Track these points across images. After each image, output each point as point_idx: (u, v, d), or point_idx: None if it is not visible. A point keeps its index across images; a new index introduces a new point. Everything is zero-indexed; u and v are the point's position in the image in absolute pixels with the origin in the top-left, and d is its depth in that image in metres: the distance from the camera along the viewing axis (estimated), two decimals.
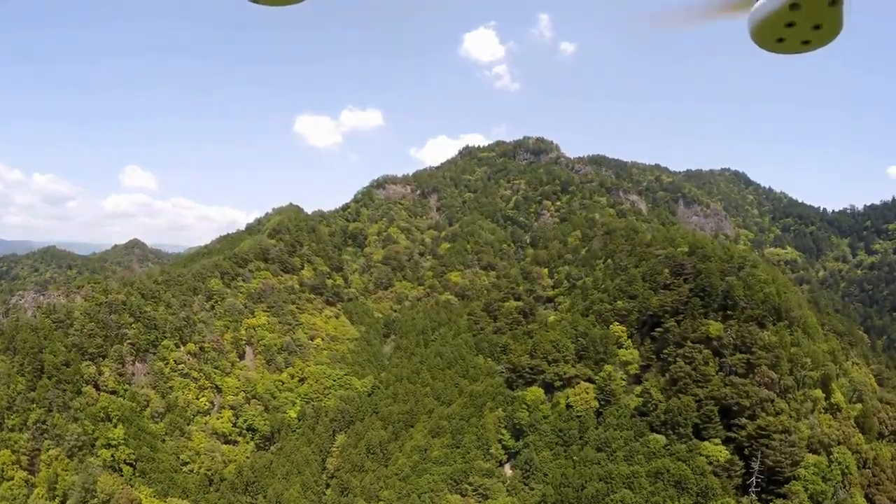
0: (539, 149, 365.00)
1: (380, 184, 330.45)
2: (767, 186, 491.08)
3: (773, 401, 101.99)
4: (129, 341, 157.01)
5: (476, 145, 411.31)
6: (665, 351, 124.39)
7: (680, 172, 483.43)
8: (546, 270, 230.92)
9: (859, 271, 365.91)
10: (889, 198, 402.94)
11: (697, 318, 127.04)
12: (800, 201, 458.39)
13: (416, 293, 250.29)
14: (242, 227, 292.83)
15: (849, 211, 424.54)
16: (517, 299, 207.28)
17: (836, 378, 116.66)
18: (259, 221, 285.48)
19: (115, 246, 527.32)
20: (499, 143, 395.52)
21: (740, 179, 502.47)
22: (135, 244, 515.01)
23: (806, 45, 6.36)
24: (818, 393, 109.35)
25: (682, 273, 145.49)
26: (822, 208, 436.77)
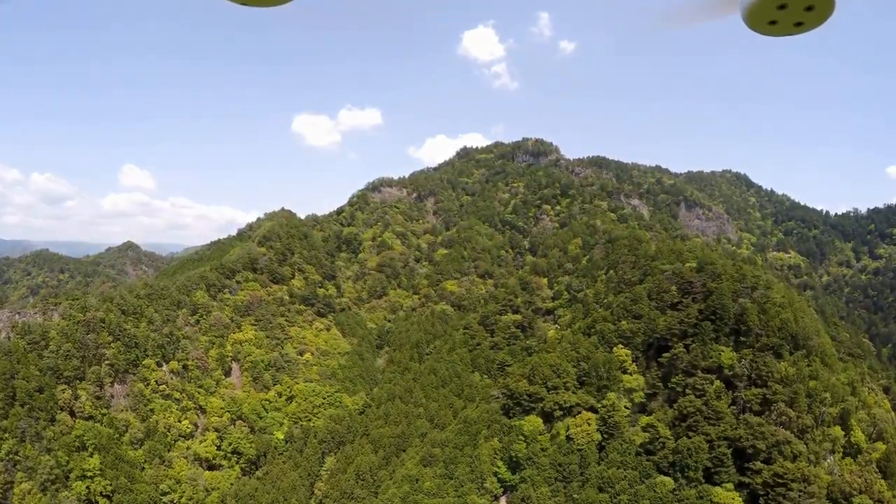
0: (538, 150, 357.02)
1: (375, 186, 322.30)
2: (769, 188, 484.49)
3: (790, 442, 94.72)
4: (107, 362, 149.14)
5: (474, 146, 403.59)
6: (673, 380, 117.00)
7: (681, 174, 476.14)
8: (545, 280, 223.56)
9: (863, 276, 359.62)
10: (892, 201, 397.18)
11: (708, 344, 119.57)
12: (802, 204, 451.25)
13: (410, 302, 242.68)
14: (241, 226, 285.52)
15: (852, 214, 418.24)
16: (515, 312, 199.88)
17: (855, 411, 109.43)
18: (251, 227, 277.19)
19: (109, 248, 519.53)
20: (497, 145, 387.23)
21: (742, 181, 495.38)
22: (129, 246, 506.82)
23: (799, 26, 6.28)
24: (837, 431, 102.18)
25: (690, 292, 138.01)
26: (824, 211, 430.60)
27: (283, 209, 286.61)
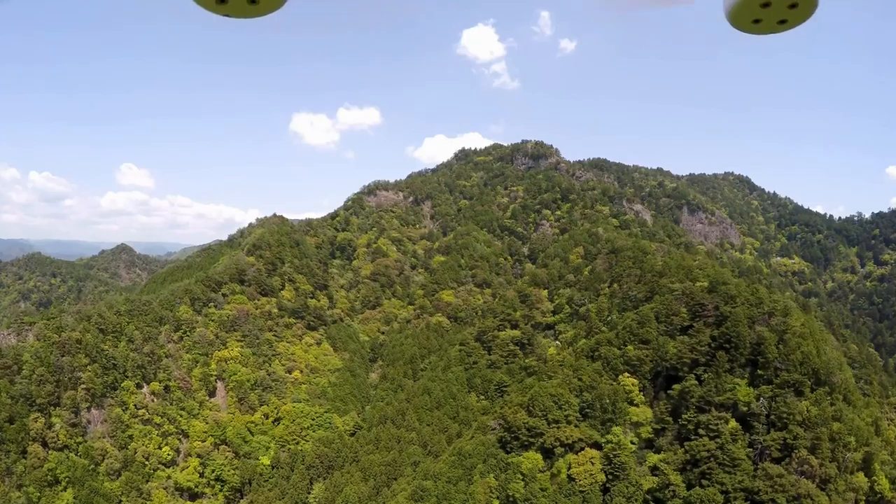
0: (538, 153, 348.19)
1: (371, 190, 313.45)
2: (772, 191, 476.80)
3: (811, 496, 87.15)
4: (83, 386, 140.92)
5: (473, 147, 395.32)
6: (684, 416, 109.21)
7: (683, 177, 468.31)
8: (545, 293, 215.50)
9: (868, 283, 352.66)
10: (894, 202, 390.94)
11: (722, 376, 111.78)
12: (805, 207, 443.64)
13: (405, 314, 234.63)
14: (240, 224, 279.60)
15: (856, 219, 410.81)
16: (514, 327, 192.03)
17: (879, 452, 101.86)
18: (242, 233, 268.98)
19: (103, 251, 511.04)
20: (496, 147, 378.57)
21: (744, 184, 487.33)
22: (122, 249, 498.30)
23: (783, 24, 6.37)
24: (861, 479, 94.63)
25: (701, 315, 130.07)
26: (828, 215, 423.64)
27: (274, 215, 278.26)
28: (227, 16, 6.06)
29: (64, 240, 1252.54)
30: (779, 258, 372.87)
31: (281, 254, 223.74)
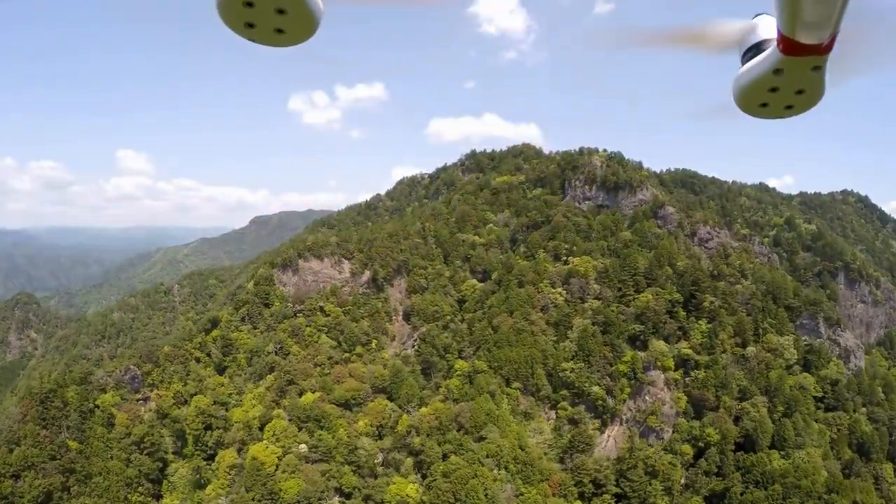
0: (613, 178, 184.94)
1: (286, 260, 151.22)
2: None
3: None
4: None
5: (491, 148, 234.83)
6: None
7: (792, 198, 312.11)
8: None
9: None
10: None
11: None
12: None
13: None
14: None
15: None
16: None
17: None
18: None
19: None
20: (533, 157, 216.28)
21: (873, 211, 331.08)
22: (21, 300, 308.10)
23: (789, 109, 6.35)
24: None
25: None
26: None
27: None
28: (253, 41, 6.01)
29: (70, 226, 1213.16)
30: None
31: None
